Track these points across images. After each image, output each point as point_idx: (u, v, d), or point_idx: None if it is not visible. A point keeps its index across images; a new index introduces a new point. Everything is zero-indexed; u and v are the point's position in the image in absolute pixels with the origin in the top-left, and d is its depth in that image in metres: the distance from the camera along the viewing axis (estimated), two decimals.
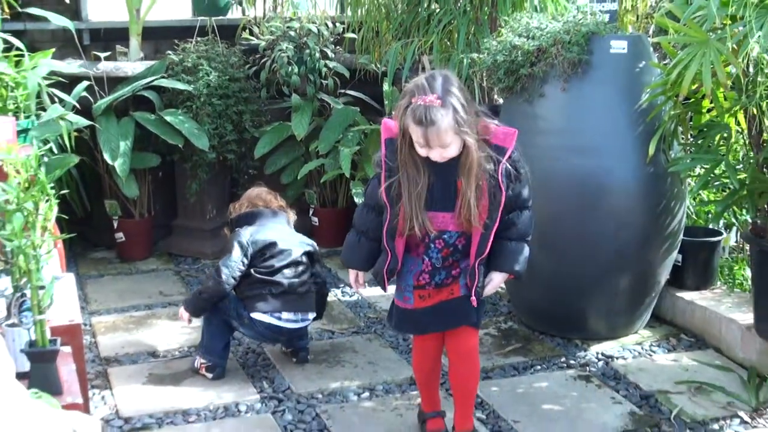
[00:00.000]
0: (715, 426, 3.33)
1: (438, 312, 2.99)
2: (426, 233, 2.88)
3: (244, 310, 3.71)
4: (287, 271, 3.75)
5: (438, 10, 4.98)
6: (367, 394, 3.62)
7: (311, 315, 3.84)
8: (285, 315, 3.71)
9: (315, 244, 3.98)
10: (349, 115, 5.47)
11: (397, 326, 3.17)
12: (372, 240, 3.02)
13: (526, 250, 2.99)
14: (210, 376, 3.73)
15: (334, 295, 4.80)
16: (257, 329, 3.73)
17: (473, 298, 2.94)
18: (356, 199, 5.20)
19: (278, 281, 3.72)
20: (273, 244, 3.77)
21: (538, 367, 3.85)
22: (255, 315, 3.69)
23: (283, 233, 3.86)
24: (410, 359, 3.91)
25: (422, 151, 2.78)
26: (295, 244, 3.84)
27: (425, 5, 5.07)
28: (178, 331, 4.29)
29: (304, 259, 3.84)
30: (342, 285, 4.96)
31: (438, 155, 2.77)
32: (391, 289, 3.07)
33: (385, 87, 5.47)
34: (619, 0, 4.09)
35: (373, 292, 4.82)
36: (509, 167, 2.84)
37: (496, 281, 3.00)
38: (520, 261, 2.96)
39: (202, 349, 3.80)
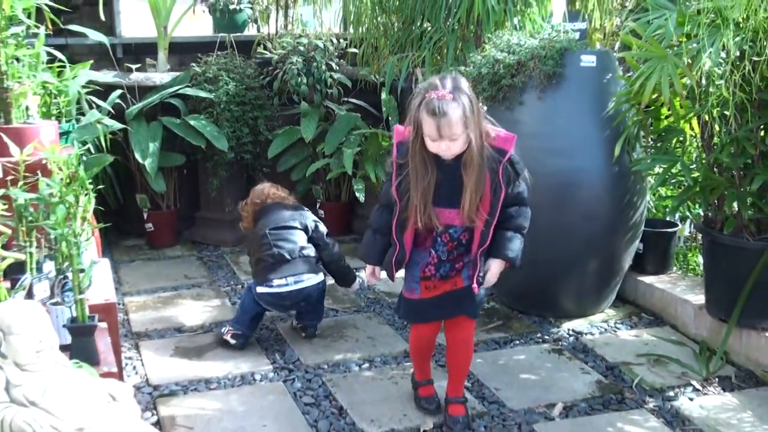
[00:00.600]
0: (671, 393, 3.34)
1: (440, 302, 2.96)
2: (433, 228, 2.85)
3: (254, 290, 3.75)
4: (280, 244, 3.78)
5: (429, 29, 4.97)
6: (367, 365, 3.62)
7: (306, 277, 3.73)
8: (276, 281, 3.70)
9: (311, 218, 3.94)
10: (351, 121, 5.46)
11: (404, 316, 3.15)
12: (386, 236, 2.97)
13: (520, 240, 2.92)
14: (233, 342, 3.75)
15: None
16: (265, 302, 3.76)
17: (474, 285, 2.89)
18: (358, 195, 5.20)
19: (267, 256, 3.76)
20: (273, 228, 3.84)
21: (517, 342, 3.86)
22: (257, 290, 3.73)
23: (279, 216, 3.90)
24: (405, 335, 3.92)
25: (432, 146, 2.74)
26: (286, 220, 3.86)
27: (418, 24, 5.06)
28: (200, 310, 4.29)
29: (294, 232, 3.83)
30: None
31: (446, 148, 2.72)
32: (399, 281, 3.06)
33: (383, 96, 5.48)
34: (588, 20, 4.08)
35: None
36: (509, 167, 2.80)
37: (494, 269, 2.92)
38: (513, 249, 2.89)
39: (233, 320, 3.84)
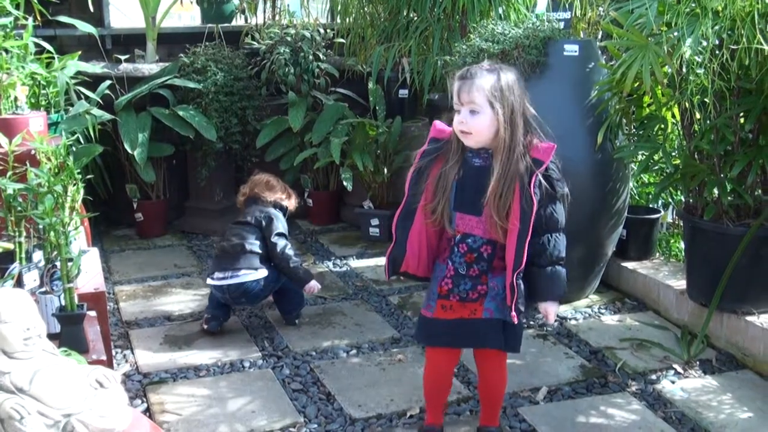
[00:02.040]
0: (653, 377, 3.37)
1: (456, 329, 2.61)
2: (452, 236, 2.60)
3: None
4: (230, 238, 3.82)
5: (416, 19, 4.98)
6: (354, 351, 3.64)
7: (243, 272, 3.72)
8: (216, 274, 3.76)
9: (272, 215, 3.87)
10: (338, 110, 5.46)
11: (416, 335, 2.92)
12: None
13: (563, 273, 2.56)
14: (206, 327, 3.79)
15: (325, 266, 4.82)
16: (214, 293, 3.83)
17: (513, 314, 2.51)
18: (345, 184, 5.20)
19: (218, 249, 3.88)
20: (233, 222, 3.94)
21: None
22: (207, 281, 3.85)
23: (246, 211, 3.95)
24: (393, 322, 3.94)
25: (455, 122, 2.51)
26: (246, 215, 3.90)
27: (404, 14, 5.06)
28: (190, 299, 4.30)
29: (247, 227, 3.84)
30: (333, 258, 4.97)
31: (463, 120, 2.48)
32: (393, 280, 2.91)
33: (370, 85, 5.48)
34: (572, 9, 4.09)
35: (359, 263, 4.86)
36: (543, 181, 2.48)
37: (551, 313, 2.59)
38: (560, 286, 2.55)
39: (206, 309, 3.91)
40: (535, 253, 2.51)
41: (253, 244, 3.78)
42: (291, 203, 4.10)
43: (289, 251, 3.81)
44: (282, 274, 3.83)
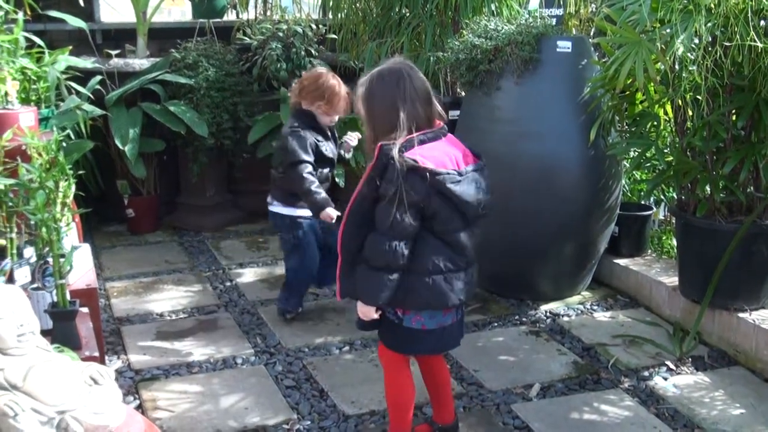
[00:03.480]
0: (646, 373, 3.38)
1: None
2: None
3: None
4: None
5: (408, 14, 4.97)
6: (347, 348, 3.64)
7: (271, 203, 3.75)
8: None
9: (286, 136, 3.66)
10: None
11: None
12: None
13: (365, 274, 2.46)
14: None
15: None
16: None
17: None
18: (338, 180, 5.19)
19: None
20: None
21: (495, 324, 3.88)
22: None
23: None
24: None
25: None
26: None
27: (397, 10, 5.05)
28: (181, 295, 4.29)
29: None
30: None
31: None
32: None
33: None
34: (564, 5, 4.09)
35: None
36: (374, 176, 2.42)
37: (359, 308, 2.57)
38: (354, 286, 2.52)
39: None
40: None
41: (277, 170, 3.69)
42: (322, 109, 3.65)
43: (305, 175, 3.51)
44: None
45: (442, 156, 2.44)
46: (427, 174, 2.37)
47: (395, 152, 2.37)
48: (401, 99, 2.44)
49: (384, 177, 2.39)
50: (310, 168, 3.55)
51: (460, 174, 2.44)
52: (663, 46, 3.12)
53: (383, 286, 2.44)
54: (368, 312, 2.53)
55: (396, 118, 2.43)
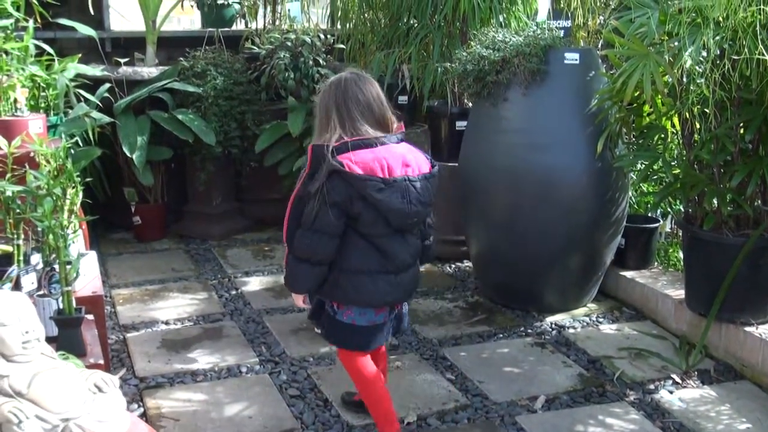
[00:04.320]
0: (651, 386, 3.36)
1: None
2: None
3: None
4: None
5: (416, 25, 4.98)
6: None
7: None
8: None
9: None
10: None
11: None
12: None
13: (292, 264, 2.67)
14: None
15: None
16: None
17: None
18: None
19: None
20: None
21: (500, 336, 3.87)
22: None
23: None
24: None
25: None
26: None
27: (405, 20, 5.07)
28: (187, 303, 4.29)
29: None
30: None
31: None
32: None
33: None
34: (572, 17, 4.10)
35: None
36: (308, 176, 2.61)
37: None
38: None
39: None
40: None
41: None
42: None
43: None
44: None
45: (372, 163, 2.54)
46: (349, 178, 2.51)
47: (326, 153, 2.53)
48: (335, 104, 2.61)
49: (313, 176, 2.57)
50: None
51: (385, 182, 2.54)
52: (671, 58, 3.12)
53: (306, 277, 2.65)
54: (296, 300, 2.78)
55: (328, 121, 2.61)
